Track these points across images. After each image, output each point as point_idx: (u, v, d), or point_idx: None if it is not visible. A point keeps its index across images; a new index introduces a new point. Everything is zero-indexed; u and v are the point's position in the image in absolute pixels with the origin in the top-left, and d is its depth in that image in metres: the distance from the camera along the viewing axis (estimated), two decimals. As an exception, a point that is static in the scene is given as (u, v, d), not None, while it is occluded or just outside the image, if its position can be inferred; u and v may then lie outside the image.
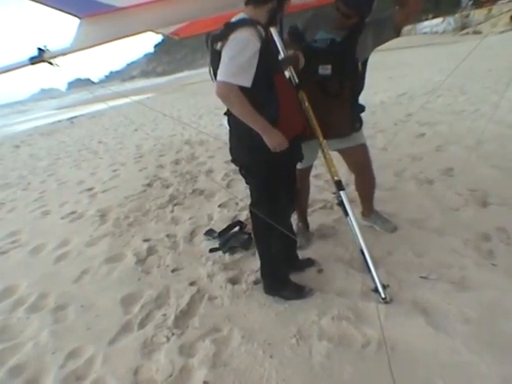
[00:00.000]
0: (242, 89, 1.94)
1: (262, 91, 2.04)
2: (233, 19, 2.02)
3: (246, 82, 1.93)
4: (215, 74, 2.05)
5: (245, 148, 2.28)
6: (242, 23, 1.95)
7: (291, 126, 2.21)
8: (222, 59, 1.94)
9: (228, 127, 2.38)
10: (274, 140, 2.09)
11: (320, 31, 2.63)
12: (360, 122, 2.84)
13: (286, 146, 2.13)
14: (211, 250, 3.28)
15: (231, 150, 2.44)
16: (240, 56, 1.89)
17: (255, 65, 1.94)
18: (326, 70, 2.60)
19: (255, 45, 1.92)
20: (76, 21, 2.38)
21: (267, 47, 2.03)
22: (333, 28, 2.59)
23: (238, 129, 2.24)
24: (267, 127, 2.05)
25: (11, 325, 2.77)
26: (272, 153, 2.13)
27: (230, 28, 1.94)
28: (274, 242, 2.48)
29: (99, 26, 2.41)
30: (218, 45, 1.99)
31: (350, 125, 2.77)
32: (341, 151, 2.93)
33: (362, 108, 2.84)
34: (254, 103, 1.99)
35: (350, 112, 2.74)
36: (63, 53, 2.43)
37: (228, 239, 3.28)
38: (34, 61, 2.39)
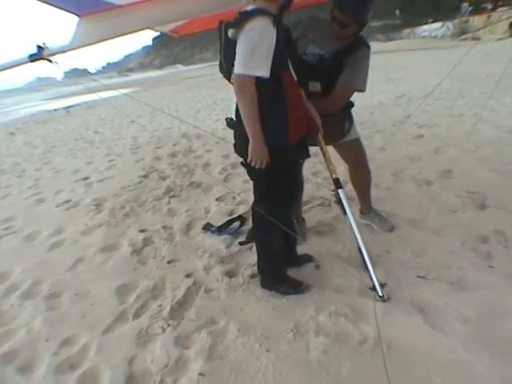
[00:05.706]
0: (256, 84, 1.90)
1: (271, 87, 1.99)
2: (248, 8, 1.95)
3: (265, 72, 1.89)
4: (226, 62, 2.02)
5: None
6: (259, 12, 1.88)
7: (300, 126, 2.17)
8: (239, 49, 1.89)
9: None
10: (259, 152, 2.05)
11: (311, 44, 2.60)
12: (350, 120, 2.84)
13: (266, 163, 2.08)
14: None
15: (236, 146, 2.40)
16: (260, 46, 1.86)
17: (272, 55, 1.90)
18: (315, 87, 2.60)
19: (273, 35, 1.89)
20: (75, 18, 2.38)
21: (280, 41, 1.98)
22: (328, 40, 2.56)
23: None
24: (260, 137, 2.02)
25: (4, 311, 2.72)
26: (279, 151, 2.10)
27: (246, 16, 1.88)
28: (275, 239, 2.46)
29: (98, 24, 2.41)
30: (231, 32, 1.94)
31: (340, 134, 2.78)
32: (334, 146, 2.92)
33: (351, 104, 2.83)
34: (263, 99, 1.96)
35: (341, 123, 2.74)
36: (62, 50, 2.41)
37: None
38: (33, 58, 2.38)
